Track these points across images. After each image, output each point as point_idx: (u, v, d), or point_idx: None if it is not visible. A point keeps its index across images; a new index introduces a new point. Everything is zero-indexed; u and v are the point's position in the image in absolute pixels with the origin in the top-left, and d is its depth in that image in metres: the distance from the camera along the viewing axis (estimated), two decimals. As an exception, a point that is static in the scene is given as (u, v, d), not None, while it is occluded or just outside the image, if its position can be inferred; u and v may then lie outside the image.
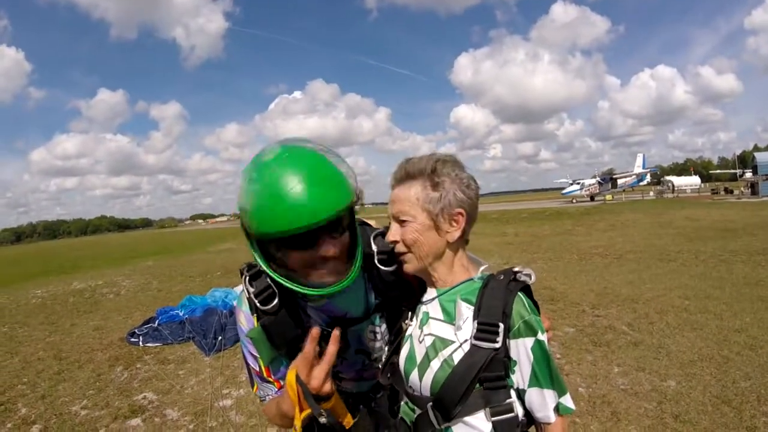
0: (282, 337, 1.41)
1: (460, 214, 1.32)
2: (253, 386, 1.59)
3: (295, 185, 1.10)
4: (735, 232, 13.90)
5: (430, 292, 1.42)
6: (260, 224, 1.14)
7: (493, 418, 1.24)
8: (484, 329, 1.21)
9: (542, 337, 1.23)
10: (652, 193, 55.39)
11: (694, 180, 65.77)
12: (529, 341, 1.22)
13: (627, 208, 29.32)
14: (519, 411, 1.26)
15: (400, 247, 1.33)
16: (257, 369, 1.52)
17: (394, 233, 1.33)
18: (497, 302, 1.23)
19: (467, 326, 1.26)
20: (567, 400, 1.27)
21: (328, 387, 1.22)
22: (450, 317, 1.33)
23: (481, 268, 1.42)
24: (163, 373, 5.80)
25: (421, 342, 1.37)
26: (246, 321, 1.47)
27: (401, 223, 1.32)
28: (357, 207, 1.32)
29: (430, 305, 1.41)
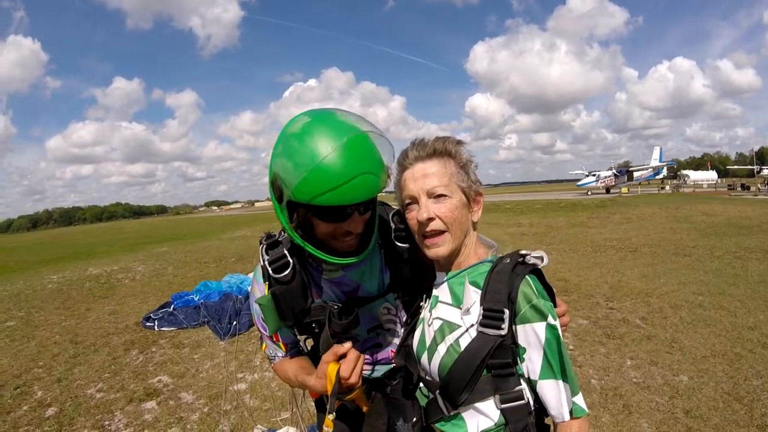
0: (290, 309, 1.44)
1: (480, 194, 1.35)
2: (262, 344, 1.68)
3: (345, 163, 1.14)
4: (751, 229, 13.68)
5: (440, 276, 1.41)
6: (300, 191, 1.17)
7: (503, 406, 1.22)
8: (490, 315, 1.19)
9: (554, 321, 1.19)
10: (667, 187, 54.75)
11: (711, 175, 65.02)
12: (540, 326, 1.18)
13: (643, 202, 28.99)
14: (529, 398, 1.24)
15: (437, 225, 1.27)
16: (266, 333, 1.58)
17: (430, 209, 1.27)
18: (502, 287, 1.20)
19: (474, 311, 1.25)
20: (579, 400, 1.21)
21: (354, 380, 1.30)
22: (458, 301, 1.32)
23: (491, 249, 1.40)
24: (178, 356, 5.88)
25: (430, 325, 1.37)
26: (258, 289, 1.52)
27: (438, 198, 1.27)
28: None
29: (440, 288, 1.40)
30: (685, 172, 68.61)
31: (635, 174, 58.50)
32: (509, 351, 1.19)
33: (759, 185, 41.77)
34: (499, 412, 1.23)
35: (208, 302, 7.62)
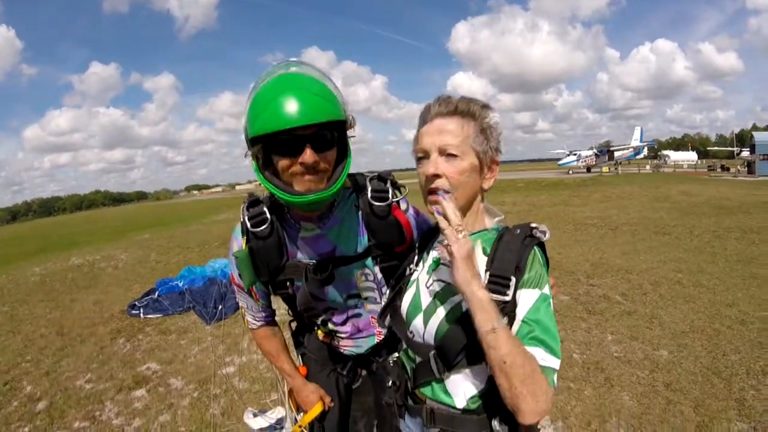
0: (265, 264, 1.52)
1: (496, 162, 1.34)
2: (241, 309, 1.81)
3: (284, 94, 1.26)
4: (730, 210, 13.86)
5: (443, 238, 1.37)
6: (251, 125, 1.32)
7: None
8: (496, 281, 1.18)
9: (548, 292, 1.20)
10: (648, 167, 55.23)
11: (691, 155, 65.67)
12: (534, 293, 1.18)
13: (623, 181, 29.26)
14: None
15: (441, 183, 1.25)
16: (244, 289, 1.67)
17: (439, 166, 1.25)
18: (511, 255, 1.20)
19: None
20: (553, 362, 1.13)
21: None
22: None
23: (497, 218, 1.39)
24: (165, 343, 5.89)
25: (429, 287, 1.35)
26: (236, 244, 1.58)
27: (449, 157, 1.25)
28: (349, 132, 1.43)
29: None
30: (665, 152, 69.17)
31: (616, 154, 58.90)
32: (509, 318, 1.17)
33: (738, 167, 42.18)
34: (488, 376, 1.21)
35: (192, 287, 7.60)
